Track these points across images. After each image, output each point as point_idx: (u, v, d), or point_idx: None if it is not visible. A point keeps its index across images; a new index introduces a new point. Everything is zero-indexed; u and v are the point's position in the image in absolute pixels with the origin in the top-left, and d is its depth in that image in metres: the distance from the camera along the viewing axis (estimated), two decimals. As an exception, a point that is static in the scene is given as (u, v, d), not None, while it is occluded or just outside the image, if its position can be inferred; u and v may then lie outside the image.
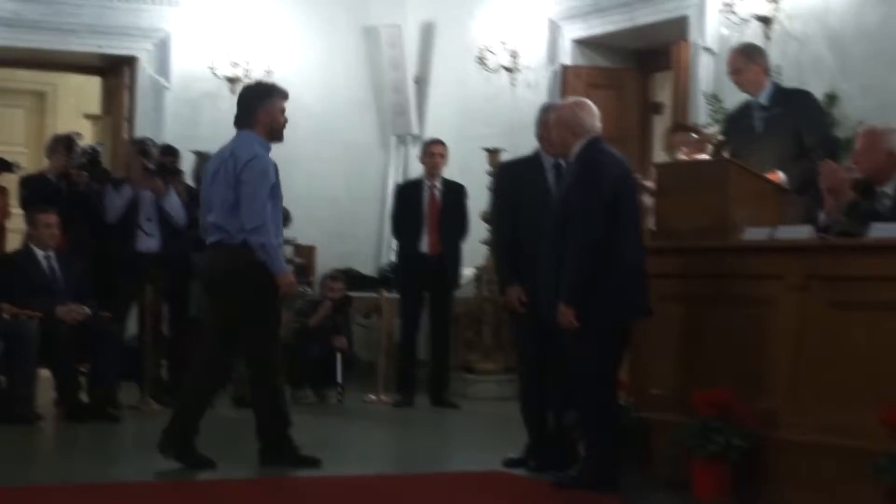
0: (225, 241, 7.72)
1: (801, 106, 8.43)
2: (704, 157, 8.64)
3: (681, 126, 9.49)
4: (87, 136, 14.37)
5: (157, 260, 10.53)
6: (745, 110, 8.58)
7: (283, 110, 7.86)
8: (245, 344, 7.85)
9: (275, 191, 7.73)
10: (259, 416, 7.84)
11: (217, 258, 7.84)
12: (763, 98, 8.38)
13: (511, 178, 8.13)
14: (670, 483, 7.20)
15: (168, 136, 12.84)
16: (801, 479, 6.59)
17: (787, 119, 8.29)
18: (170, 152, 11.21)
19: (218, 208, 7.74)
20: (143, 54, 13.89)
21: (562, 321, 7.03)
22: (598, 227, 6.97)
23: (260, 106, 7.81)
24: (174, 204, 10.55)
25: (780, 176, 7.97)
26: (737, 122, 8.61)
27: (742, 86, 8.56)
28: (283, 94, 7.90)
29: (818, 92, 9.66)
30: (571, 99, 7.73)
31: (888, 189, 7.22)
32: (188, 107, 13.99)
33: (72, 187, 10.39)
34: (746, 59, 8.49)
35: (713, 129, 9.89)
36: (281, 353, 8.06)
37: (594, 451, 7.13)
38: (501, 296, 8.13)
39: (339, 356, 11.42)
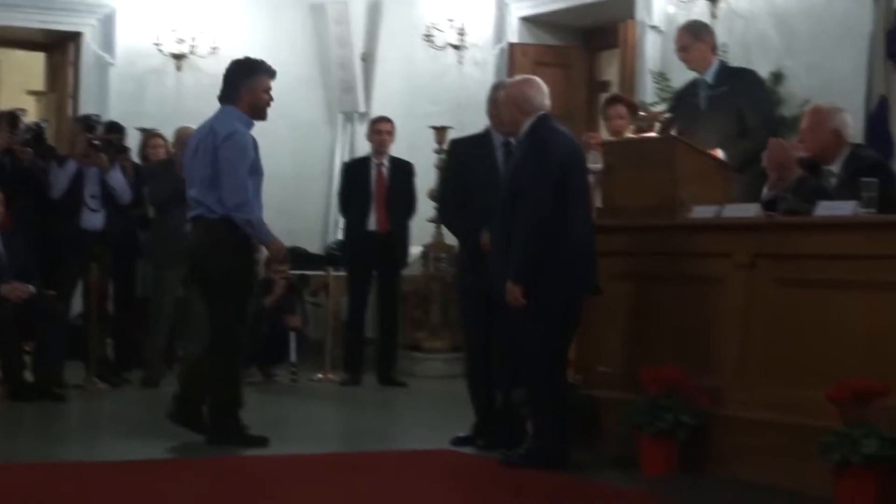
0: (204, 216, 7.76)
1: (744, 84, 8.47)
2: (652, 134, 8.65)
3: (617, 98, 9.49)
4: (32, 112, 14.19)
5: (102, 237, 10.44)
6: (691, 88, 8.61)
7: (267, 89, 7.86)
8: (213, 316, 7.84)
9: (255, 167, 7.75)
10: (211, 393, 7.80)
11: (196, 233, 7.87)
12: (709, 76, 8.43)
13: (461, 155, 8.12)
14: (619, 460, 7.22)
15: (113, 112, 12.71)
16: (750, 456, 6.62)
17: (730, 97, 8.33)
18: (116, 129, 11.10)
19: (198, 183, 7.77)
20: (88, 30, 13.76)
21: (509, 299, 7.02)
22: (547, 204, 6.96)
23: (244, 82, 7.82)
24: (118, 180, 10.46)
25: (719, 153, 8.00)
26: (683, 100, 8.64)
27: (689, 63, 8.60)
28: (269, 73, 7.89)
29: (764, 70, 9.70)
30: (520, 77, 7.71)
31: (834, 167, 7.24)
32: (133, 83, 13.88)
33: (16, 164, 10.27)
34: (693, 37, 8.53)
35: (659, 108, 9.91)
36: (246, 333, 8.05)
37: (542, 429, 7.14)
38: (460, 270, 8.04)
39: (292, 335, 11.37)
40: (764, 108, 8.57)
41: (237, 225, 7.68)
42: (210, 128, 7.80)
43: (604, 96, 12.62)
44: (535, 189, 6.98)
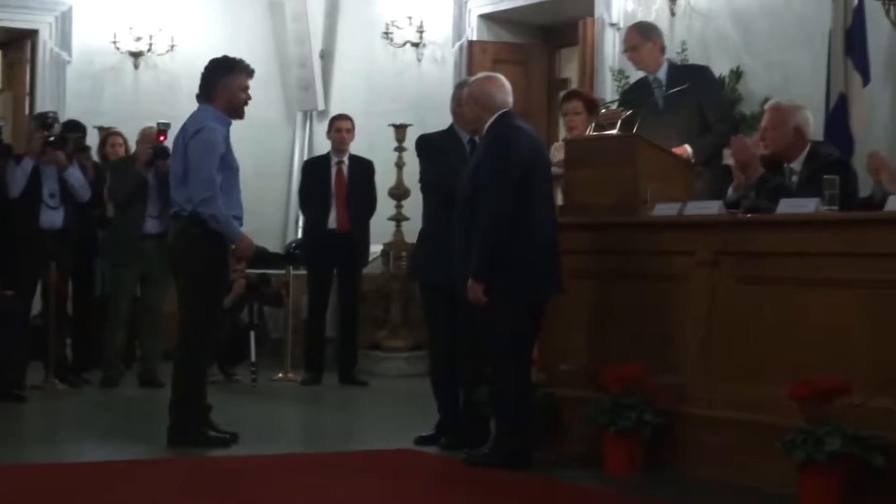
0: (178, 213, 7.80)
1: (701, 81, 8.53)
2: (613, 132, 8.65)
3: (575, 93, 9.49)
4: (-14, 111, 14.15)
5: (61, 236, 10.36)
6: (642, 87, 8.65)
7: (244, 87, 7.86)
8: (184, 313, 7.84)
9: (227, 162, 7.77)
10: (174, 390, 7.78)
11: (173, 229, 7.93)
12: (661, 75, 8.49)
13: (432, 144, 8.09)
14: (583, 459, 7.22)
15: (70, 111, 12.62)
16: (713, 454, 6.62)
17: (688, 95, 8.38)
18: (76, 128, 11.01)
19: (171, 180, 7.86)
20: (45, 28, 13.68)
21: (471, 296, 7.01)
22: (507, 202, 6.94)
23: (219, 81, 7.82)
24: (77, 177, 10.38)
25: (686, 149, 8.03)
26: (633, 100, 8.66)
27: (638, 63, 8.70)
28: (247, 71, 7.89)
29: (724, 68, 9.75)
30: (483, 74, 7.68)
31: (796, 165, 7.26)
32: (90, 81, 13.81)
33: (-30, 163, 10.19)
34: (642, 37, 8.63)
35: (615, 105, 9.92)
36: (217, 331, 8.05)
37: (506, 428, 7.12)
38: None
39: (252, 335, 11.33)
40: (722, 103, 8.62)
41: (205, 221, 7.66)
42: (183, 126, 7.84)
43: (562, 93, 12.66)
44: (495, 187, 6.97)
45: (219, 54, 8.00)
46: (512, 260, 6.98)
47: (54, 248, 10.35)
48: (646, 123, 8.14)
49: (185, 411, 7.72)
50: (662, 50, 8.66)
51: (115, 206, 10.86)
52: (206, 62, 7.88)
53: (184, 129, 7.82)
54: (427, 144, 8.14)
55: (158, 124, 10.62)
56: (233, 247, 7.86)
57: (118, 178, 10.74)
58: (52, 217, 10.32)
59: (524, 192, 7.00)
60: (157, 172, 10.50)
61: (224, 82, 7.81)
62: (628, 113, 8.63)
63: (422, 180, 8.11)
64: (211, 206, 7.64)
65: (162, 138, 10.47)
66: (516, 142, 7.10)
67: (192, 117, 7.83)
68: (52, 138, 10.30)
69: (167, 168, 10.36)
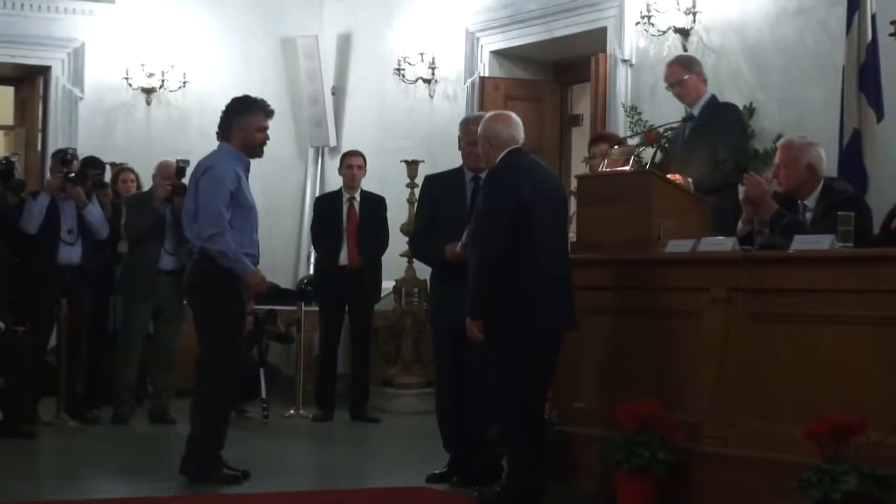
0: (192, 250, 7.92)
1: (721, 119, 8.53)
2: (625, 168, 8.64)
3: (601, 136, 9.49)
4: (0, 146, 14.18)
5: (79, 272, 10.35)
6: (683, 122, 8.69)
7: (261, 127, 7.90)
8: (202, 352, 7.87)
9: (239, 200, 7.76)
10: (193, 425, 7.77)
11: (189, 266, 7.99)
12: (697, 109, 8.49)
13: (432, 190, 8.16)
14: (595, 498, 7.17)
15: (82, 147, 12.60)
16: (727, 493, 6.56)
17: (708, 131, 8.40)
18: (95, 164, 11.02)
19: (185, 217, 7.94)
20: (57, 64, 13.74)
21: (469, 334, 7.01)
22: (498, 240, 6.91)
23: (236, 120, 7.86)
24: (96, 215, 10.40)
25: (685, 182, 8.00)
26: (675, 135, 8.73)
27: (683, 98, 8.70)
28: (265, 111, 7.94)
29: (736, 104, 9.71)
30: (493, 112, 7.67)
31: (809, 202, 7.24)
32: (102, 118, 13.86)
33: (-15, 199, 10.19)
34: (685, 70, 8.62)
35: (633, 141, 9.92)
36: (236, 369, 7.98)
37: (518, 466, 7.08)
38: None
39: (262, 371, 11.30)
40: (734, 143, 8.59)
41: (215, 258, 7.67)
42: (197, 164, 7.92)
43: (579, 135, 12.68)
44: (490, 223, 6.96)
45: (231, 91, 8.06)
46: (514, 296, 6.94)
47: (72, 285, 10.34)
48: (673, 155, 8.17)
49: (202, 447, 7.69)
50: (704, 81, 8.68)
51: (129, 241, 10.85)
52: (217, 98, 7.96)
53: (197, 166, 7.90)
54: (425, 189, 8.26)
55: (178, 161, 10.63)
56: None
57: (136, 214, 10.75)
58: (70, 253, 10.33)
59: (525, 227, 6.95)
60: (174, 209, 10.51)
61: (239, 121, 7.85)
62: (641, 150, 8.66)
63: (413, 227, 8.24)
64: (218, 242, 7.64)
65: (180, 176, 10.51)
66: (514, 179, 7.03)
67: (209, 156, 7.89)
68: (71, 175, 10.32)
69: None
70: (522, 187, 6.99)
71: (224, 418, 7.86)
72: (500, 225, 6.92)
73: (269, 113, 7.95)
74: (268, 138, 7.95)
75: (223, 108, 7.92)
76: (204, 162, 7.85)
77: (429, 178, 8.34)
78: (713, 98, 8.65)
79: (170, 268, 10.62)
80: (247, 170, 7.94)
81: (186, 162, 10.51)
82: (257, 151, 7.95)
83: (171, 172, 10.68)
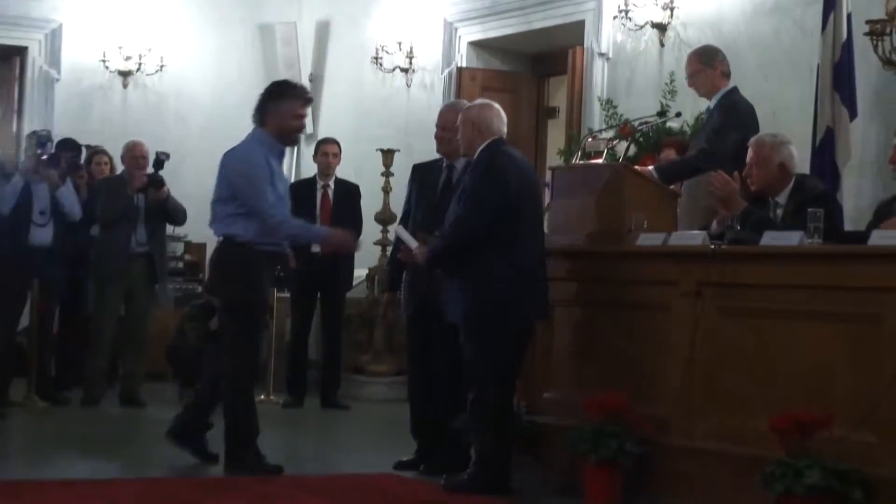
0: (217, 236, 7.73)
1: (714, 111, 8.35)
2: (600, 161, 8.65)
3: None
4: (-26, 128, 14.13)
5: (50, 253, 10.32)
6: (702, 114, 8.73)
7: (298, 114, 7.72)
8: (223, 341, 7.79)
9: (273, 181, 7.60)
10: (226, 419, 7.72)
11: (212, 256, 7.85)
12: (713, 102, 8.30)
13: (414, 178, 8.24)
14: (562, 488, 7.20)
15: (57, 129, 12.59)
16: (693, 485, 6.60)
17: (707, 123, 8.32)
18: (71, 147, 10.99)
19: (213, 203, 7.72)
20: (34, 45, 13.71)
21: (416, 258, 7.19)
22: (489, 216, 7.01)
23: (271, 105, 7.70)
24: (68, 197, 10.36)
25: (649, 169, 8.00)
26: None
27: (697, 89, 8.43)
28: (302, 98, 7.78)
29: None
30: (482, 100, 7.69)
31: (781, 199, 7.27)
32: (79, 99, 13.84)
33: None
34: (700, 63, 8.34)
35: (607, 134, 9.91)
36: (255, 357, 7.93)
37: (486, 455, 7.11)
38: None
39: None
40: (714, 137, 8.48)
41: (238, 245, 7.55)
42: (230, 153, 7.71)
43: (555, 127, 12.67)
44: (486, 199, 7.03)
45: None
46: (495, 285, 6.99)
47: (43, 266, 10.31)
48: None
49: (234, 439, 7.65)
50: (724, 76, 8.35)
51: (101, 225, 10.83)
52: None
53: (230, 155, 7.69)
54: (410, 177, 8.24)
55: (158, 154, 10.59)
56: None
57: (108, 199, 10.71)
58: (41, 235, 10.28)
59: (513, 218, 7.01)
60: (146, 198, 10.52)
61: (276, 106, 7.68)
62: (615, 143, 8.67)
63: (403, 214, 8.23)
64: (281, 229, 7.57)
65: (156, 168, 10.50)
66: (510, 168, 7.15)
67: (243, 141, 7.72)
68: (45, 157, 10.29)
69: (161, 197, 10.39)
70: (515, 178, 7.11)
71: (247, 404, 7.74)
72: (489, 210, 7.01)
73: (307, 100, 7.80)
74: (304, 126, 7.81)
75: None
76: (236, 152, 7.66)
77: (414, 167, 8.37)
78: (728, 91, 8.33)
79: (141, 251, 10.62)
80: (280, 157, 7.80)
81: (167, 155, 10.52)
82: (292, 139, 7.84)
83: (142, 152, 10.66)
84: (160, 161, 10.55)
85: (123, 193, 10.62)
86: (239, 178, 7.55)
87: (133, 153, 10.76)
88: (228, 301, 7.67)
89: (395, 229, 7.69)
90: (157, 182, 10.43)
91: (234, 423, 7.63)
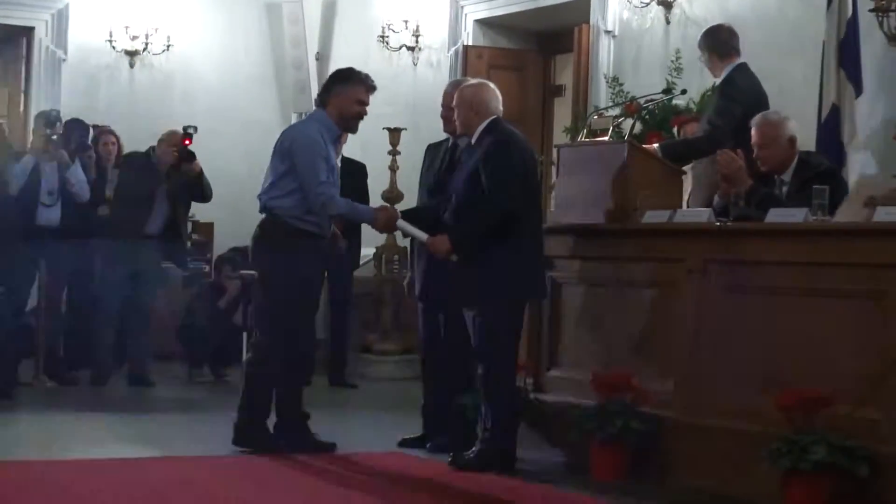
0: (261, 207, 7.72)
1: (716, 91, 8.31)
2: (606, 138, 8.63)
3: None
4: (-18, 108, 14.14)
5: (58, 233, 10.33)
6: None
7: (360, 100, 7.73)
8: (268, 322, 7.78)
9: (328, 159, 7.62)
10: (277, 400, 7.77)
11: (255, 233, 7.80)
12: (719, 80, 8.25)
13: (426, 157, 8.24)
14: (568, 465, 7.23)
15: (65, 109, 12.55)
16: (698, 461, 6.62)
17: (711, 102, 8.31)
18: (79, 126, 10.99)
19: (264, 181, 7.72)
20: (41, 25, 13.68)
21: (438, 248, 7.16)
22: (517, 199, 7.04)
23: (335, 88, 7.74)
24: (78, 176, 10.37)
25: (654, 147, 7.99)
26: None
27: (709, 70, 8.43)
28: (365, 84, 7.78)
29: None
30: (475, 80, 7.71)
31: (785, 176, 7.27)
32: (86, 79, 13.82)
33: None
34: (701, 47, 8.28)
35: (613, 112, 9.91)
36: (294, 339, 7.78)
37: (492, 433, 7.13)
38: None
39: (245, 335, 11.31)
40: (715, 115, 8.44)
41: (279, 219, 7.55)
42: (289, 132, 7.80)
43: (561, 105, 12.62)
44: (507, 182, 7.05)
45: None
46: (513, 258, 7.05)
47: (51, 246, 10.33)
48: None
49: (281, 423, 7.72)
50: (721, 57, 8.22)
51: (114, 200, 10.81)
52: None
53: (288, 135, 7.74)
54: (424, 157, 8.24)
55: (185, 128, 10.58)
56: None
57: (137, 174, 10.72)
58: (49, 214, 10.32)
59: (522, 193, 7.06)
60: (170, 175, 10.52)
61: (340, 90, 7.72)
62: (621, 120, 8.65)
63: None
64: (329, 207, 7.54)
65: (187, 142, 10.47)
66: (517, 145, 7.22)
67: (302, 122, 7.77)
68: (54, 136, 10.30)
69: (196, 170, 10.39)
70: (523, 154, 7.22)
71: (291, 386, 7.79)
72: (517, 184, 7.08)
73: (371, 87, 7.79)
74: (365, 113, 7.80)
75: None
76: (296, 127, 7.75)
77: (427, 147, 8.38)
78: (736, 67, 8.20)
79: (155, 232, 10.64)
80: (335, 142, 7.87)
81: (195, 128, 10.51)
82: (351, 125, 7.83)
83: (177, 140, 10.63)
84: (188, 134, 10.53)
85: (153, 170, 10.62)
86: (298, 149, 7.57)
87: (171, 141, 10.72)
88: (261, 274, 7.75)
89: (399, 224, 7.69)
90: (188, 156, 10.43)
91: (285, 399, 7.75)
